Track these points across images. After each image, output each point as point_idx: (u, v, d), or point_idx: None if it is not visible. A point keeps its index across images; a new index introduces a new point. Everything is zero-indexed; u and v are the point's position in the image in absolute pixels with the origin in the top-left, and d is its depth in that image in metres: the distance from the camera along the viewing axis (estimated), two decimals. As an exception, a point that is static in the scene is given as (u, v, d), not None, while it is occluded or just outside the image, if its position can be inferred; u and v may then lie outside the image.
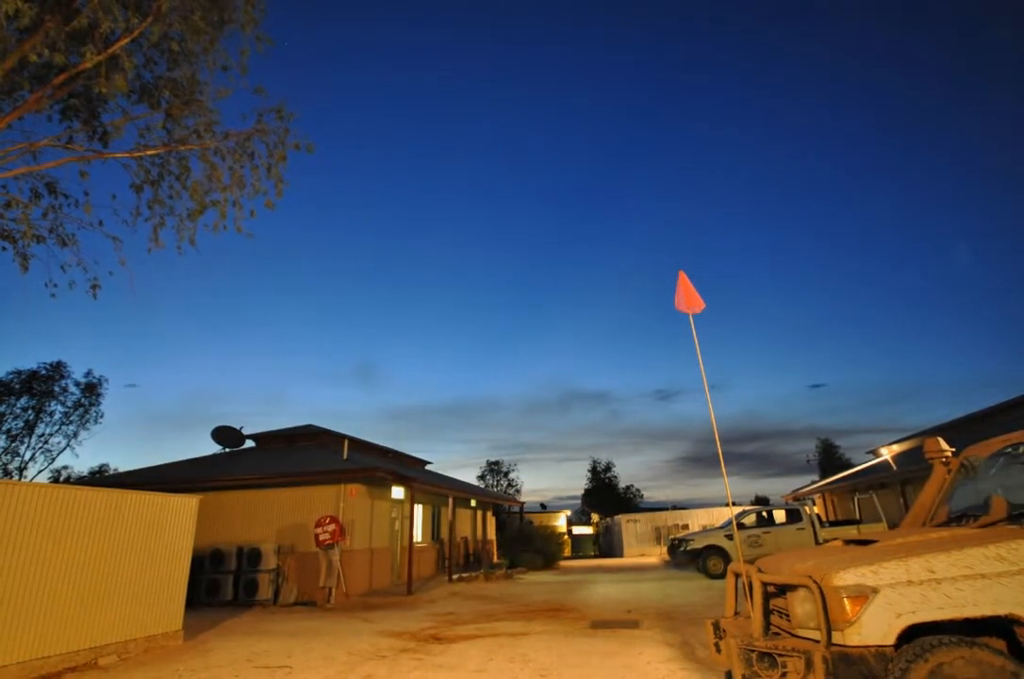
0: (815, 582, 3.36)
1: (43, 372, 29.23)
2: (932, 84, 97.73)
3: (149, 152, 7.65)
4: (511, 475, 51.80)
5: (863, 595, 3.21)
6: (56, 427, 29.50)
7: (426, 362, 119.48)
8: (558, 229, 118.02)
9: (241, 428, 17.87)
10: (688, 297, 5.59)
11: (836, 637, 3.21)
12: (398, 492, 15.68)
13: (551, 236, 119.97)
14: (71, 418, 29.85)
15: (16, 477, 28.13)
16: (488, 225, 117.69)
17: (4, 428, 28.09)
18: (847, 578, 3.28)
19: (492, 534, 25.76)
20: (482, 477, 51.11)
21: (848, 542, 4.53)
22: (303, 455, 15.80)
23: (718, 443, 5.20)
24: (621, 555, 29.84)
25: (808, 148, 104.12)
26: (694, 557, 16.25)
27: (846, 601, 3.21)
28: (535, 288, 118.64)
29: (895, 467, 17.74)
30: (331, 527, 12.33)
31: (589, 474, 54.11)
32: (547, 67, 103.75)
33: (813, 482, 29.88)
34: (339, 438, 17.74)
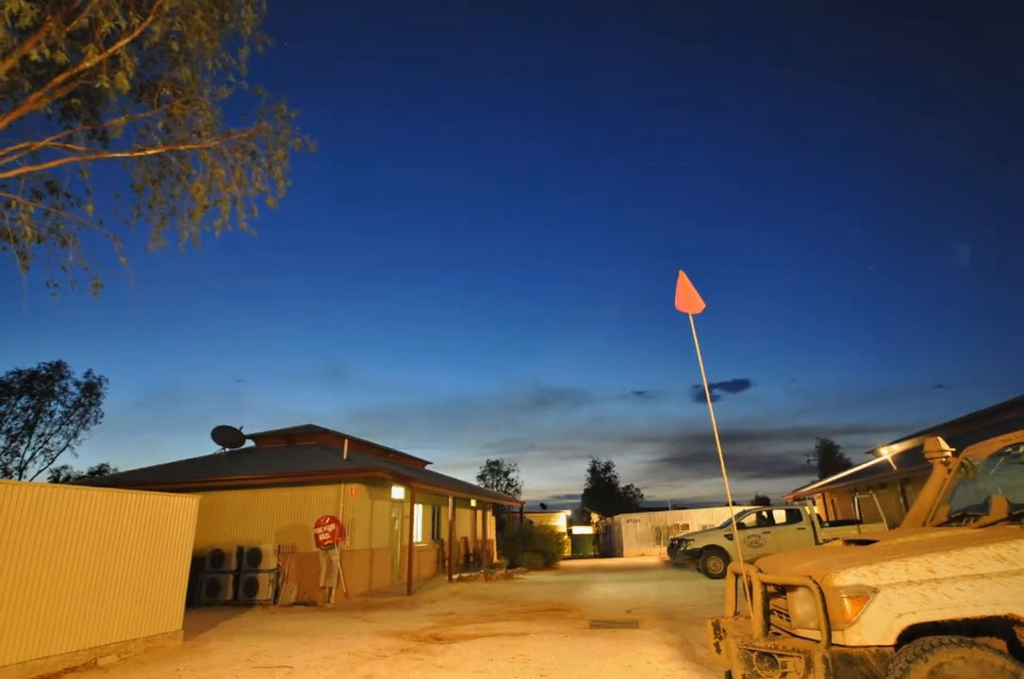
0: (815, 582, 3.36)
1: (43, 372, 29.25)
2: (932, 82, 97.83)
3: (150, 152, 7.64)
4: (511, 475, 51.89)
5: (863, 595, 3.21)
6: (56, 427, 29.53)
7: (398, 363, 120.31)
8: (544, 231, 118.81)
9: (241, 428, 17.89)
10: (688, 297, 5.60)
11: (836, 637, 3.21)
12: (398, 492, 15.68)
13: (537, 237, 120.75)
14: (71, 418, 29.88)
15: (16, 477, 28.13)
16: (475, 226, 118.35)
17: (4, 428, 28.10)
18: (847, 578, 3.28)
19: (492, 534, 25.77)
20: (482, 477, 51.18)
21: (848, 542, 4.54)
22: (303, 455, 15.80)
23: (718, 443, 5.21)
24: (621, 555, 29.84)
25: (803, 149, 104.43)
26: (694, 557, 16.25)
27: (846, 601, 3.21)
28: (515, 288, 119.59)
29: (895, 467, 17.75)
30: (331, 527, 12.33)
31: (589, 474, 54.18)
32: (542, 67, 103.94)
33: (813, 482, 29.90)
34: (339, 438, 17.75)
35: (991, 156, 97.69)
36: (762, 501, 49.18)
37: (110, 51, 6.51)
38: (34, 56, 6.10)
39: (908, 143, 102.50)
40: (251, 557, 12.63)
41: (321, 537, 12.34)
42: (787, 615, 3.66)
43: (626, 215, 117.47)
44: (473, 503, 22.98)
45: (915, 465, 15.57)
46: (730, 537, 16.06)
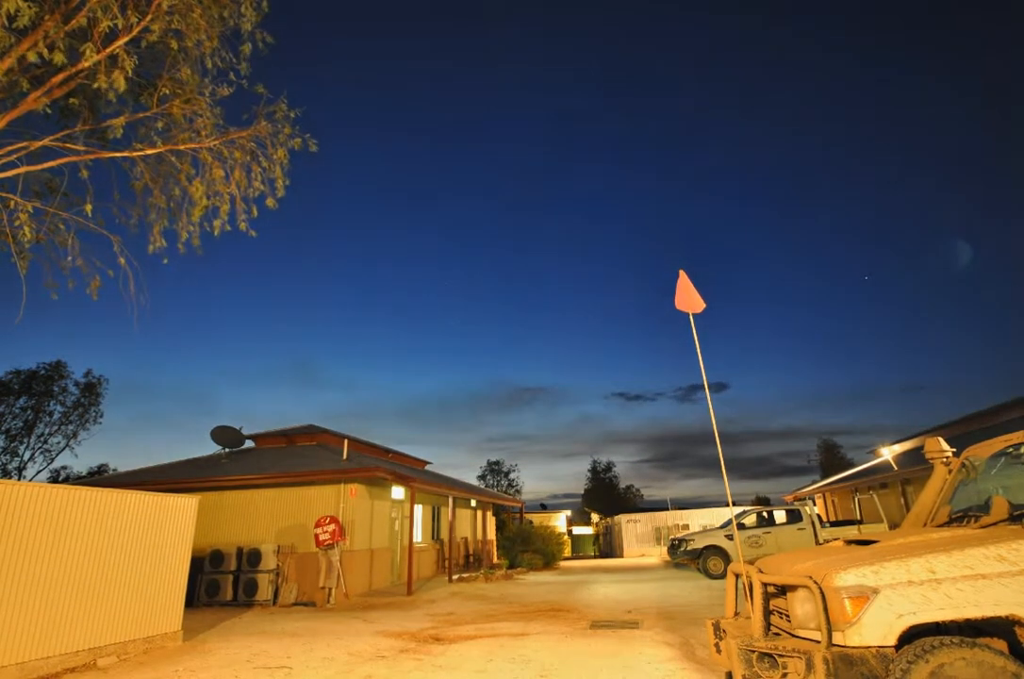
0: (815, 582, 3.34)
1: (42, 372, 29.25)
2: (932, 84, 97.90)
3: (149, 151, 7.62)
4: (511, 475, 51.92)
5: (864, 595, 3.19)
6: (55, 427, 29.52)
7: (372, 363, 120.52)
8: (528, 231, 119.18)
9: (240, 428, 17.88)
10: (688, 297, 5.58)
11: (837, 638, 3.20)
12: (398, 492, 15.66)
13: (522, 239, 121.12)
14: (70, 418, 29.87)
15: (15, 477, 28.12)
16: (459, 227, 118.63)
17: (3, 428, 28.09)
18: (847, 578, 3.27)
19: (492, 534, 25.75)
20: (482, 477, 51.22)
21: (849, 542, 4.52)
22: (303, 455, 15.79)
23: (719, 443, 5.19)
24: (621, 555, 29.84)
25: (803, 150, 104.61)
26: (694, 557, 16.24)
27: (847, 601, 3.20)
28: (494, 287, 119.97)
29: (896, 467, 17.74)
30: (331, 527, 12.32)
31: (589, 474, 54.22)
32: (544, 62, 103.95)
33: (814, 482, 29.90)
34: (339, 438, 17.73)
35: (983, 158, 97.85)
36: (762, 501, 49.18)
37: (108, 50, 6.49)
38: (31, 57, 6.09)
39: (901, 143, 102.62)
40: (251, 557, 12.62)
41: (321, 537, 12.32)
42: (787, 615, 3.65)
43: (606, 221, 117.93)
44: (473, 503, 22.97)
45: (916, 465, 15.56)
46: (730, 537, 16.04)
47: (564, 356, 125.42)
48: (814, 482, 29.39)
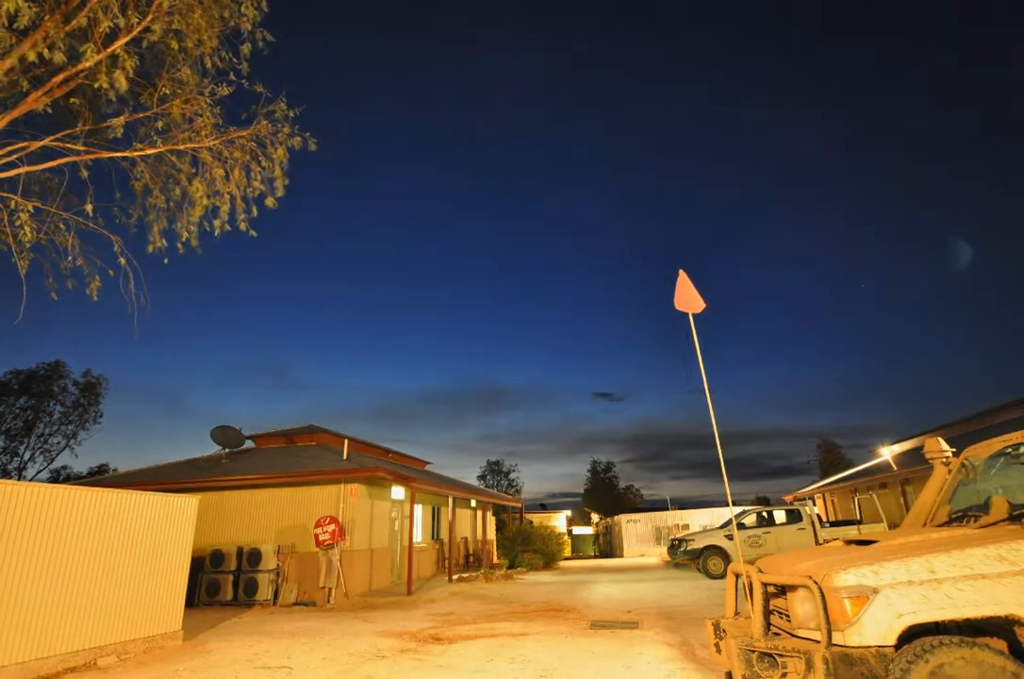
0: (815, 582, 3.35)
1: (41, 372, 29.26)
2: (926, 87, 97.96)
3: (149, 151, 7.62)
4: (511, 475, 51.95)
5: (863, 595, 3.20)
6: (55, 427, 29.53)
7: (351, 364, 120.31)
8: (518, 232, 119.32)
9: (241, 428, 17.88)
10: (688, 296, 5.59)
11: (836, 637, 3.20)
12: (398, 492, 15.67)
13: (510, 238, 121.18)
14: (70, 418, 29.89)
15: (15, 477, 28.12)
16: (449, 225, 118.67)
17: (3, 428, 28.10)
18: (847, 578, 3.27)
19: (492, 534, 25.75)
20: (482, 477, 51.25)
21: (849, 542, 4.53)
22: (303, 455, 15.79)
23: (718, 444, 5.20)
24: (621, 555, 29.83)
25: (801, 149, 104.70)
26: (694, 557, 16.25)
27: (846, 601, 3.21)
28: (477, 285, 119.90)
29: (895, 467, 17.74)
30: (331, 527, 12.32)
31: (589, 474, 54.24)
32: (544, 59, 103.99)
33: (813, 481, 29.90)
34: (339, 438, 17.74)
35: (983, 158, 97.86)
36: (762, 501, 49.18)
37: (109, 51, 6.49)
38: (31, 57, 6.08)
39: (900, 142, 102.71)
40: (251, 557, 12.62)
41: (321, 537, 12.33)
42: (787, 615, 3.65)
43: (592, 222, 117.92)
44: (473, 503, 22.97)
45: (916, 465, 15.56)
46: (730, 537, 16.04)
47: (547, 356, 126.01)
48: (814, 482, 29.39)
